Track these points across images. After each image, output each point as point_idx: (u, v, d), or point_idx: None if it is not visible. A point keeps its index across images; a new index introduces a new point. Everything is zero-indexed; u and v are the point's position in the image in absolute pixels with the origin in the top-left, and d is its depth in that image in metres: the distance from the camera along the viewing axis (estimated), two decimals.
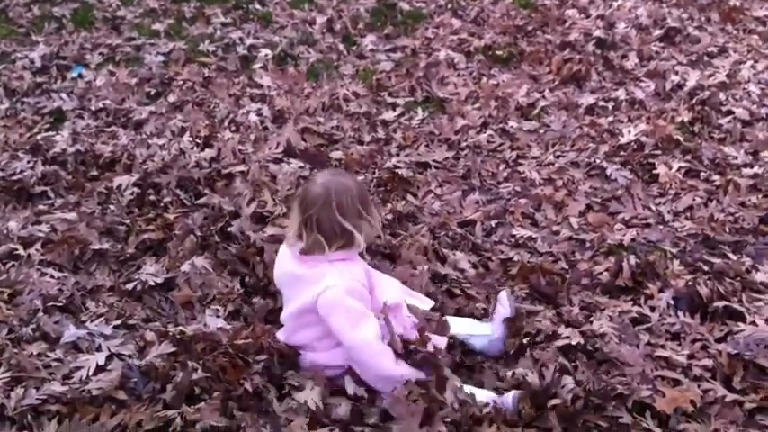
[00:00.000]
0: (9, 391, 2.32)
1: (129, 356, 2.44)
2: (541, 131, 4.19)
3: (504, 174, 3.83)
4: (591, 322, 2.70)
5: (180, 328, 2.54)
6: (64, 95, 4.44)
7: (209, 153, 3.76)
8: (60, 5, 5.65)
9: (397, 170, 3.73)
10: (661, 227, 3.38)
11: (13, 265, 2.98)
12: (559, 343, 2.54)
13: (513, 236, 3.31)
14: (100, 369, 2.38)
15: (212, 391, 2.33)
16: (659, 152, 3.87)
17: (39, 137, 3.95)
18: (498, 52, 5.08)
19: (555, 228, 3.39)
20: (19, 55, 4.95)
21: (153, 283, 2.92)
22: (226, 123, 4.19)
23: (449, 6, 5.79)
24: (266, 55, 5.03)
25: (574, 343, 2.53)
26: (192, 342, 2.49)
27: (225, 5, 5.75)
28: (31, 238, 3.15)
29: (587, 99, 4.46)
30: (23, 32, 5.27)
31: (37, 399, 2.29)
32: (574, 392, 2.33)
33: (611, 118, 4.26)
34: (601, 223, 3.40)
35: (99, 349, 2.48)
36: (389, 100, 4.54)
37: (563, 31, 5.29)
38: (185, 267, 2.98)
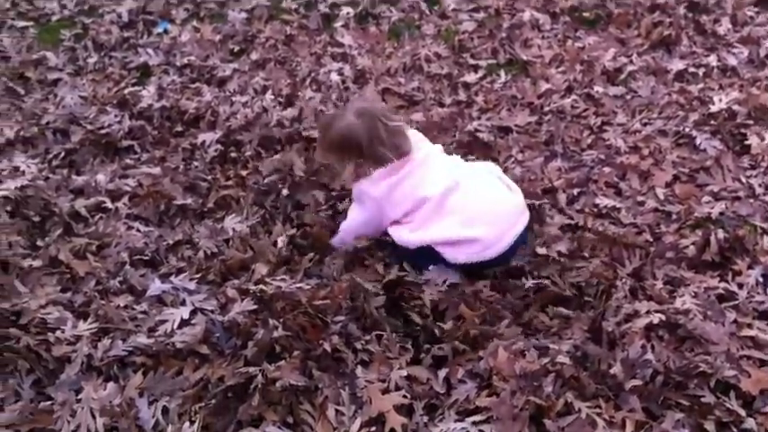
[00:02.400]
0: (96, 341, 2.41)
1: (212, 312, 2.49)
2: (628, 97, 4.06)
3: (588, 140, 3.72)
4: (674, 298, 2.62)
5: (260, 286, 2.57)
6: (150, 50, 4.52)
7: (290, 112, 3.78)
8: None
9: (477, 134, 3.67)
10: (752, 200, 3.25)
11: (101, 218, 3.08)
12: (642, 321, 2.48)
13: (596, 205, 3.22)
14: (184, 323, 2.45)
15: (292, 349, 2.37)
16: (752, 122, 3.70)
17: (126, 91, 4.03)
18: (585, 14, 4.93)
19: (640, 198, 3.29)
20: (107, 9, 5.05)
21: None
22: (307, 82, 4.19)
23: None
24: (348, 13, 5.00)
25: (656, 321, 2.47)
26: (273, 301, 2.52)
27: None
28: (118, 192, 3.25)
29: (677, 65, 4.29)
30: None
31: (123, 350, 2.38)
32: (654, 368, 2.29)
33: (701, 85, 4.09)
34: (688, 195, 3.29)
35: (183, 303, 2.54)
36: (471, 62, 4.46)
37: None
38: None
